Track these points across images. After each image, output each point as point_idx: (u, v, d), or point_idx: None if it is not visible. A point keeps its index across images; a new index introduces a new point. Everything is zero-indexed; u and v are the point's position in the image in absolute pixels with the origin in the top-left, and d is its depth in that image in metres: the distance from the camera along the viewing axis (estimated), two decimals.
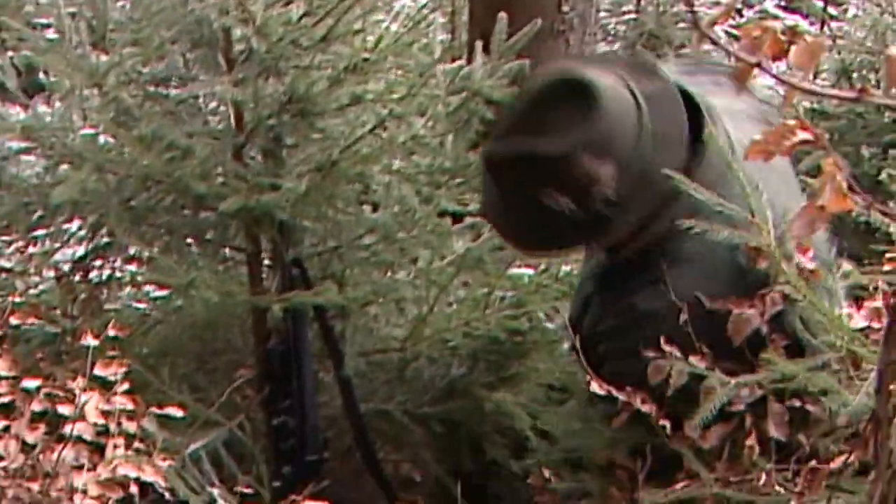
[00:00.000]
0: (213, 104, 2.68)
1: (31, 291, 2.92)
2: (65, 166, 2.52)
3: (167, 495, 2.16)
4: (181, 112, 2.56)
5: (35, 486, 1.87)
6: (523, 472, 2.81)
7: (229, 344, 2.91)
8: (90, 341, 1.91)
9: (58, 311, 2.81)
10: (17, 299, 2.63)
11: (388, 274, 2.80)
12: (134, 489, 2.02)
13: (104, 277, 2.83)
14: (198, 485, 2.31)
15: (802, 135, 1.13)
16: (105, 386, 2.02)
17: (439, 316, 2.81)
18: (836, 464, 1.63)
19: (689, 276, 1.94)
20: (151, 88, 2.55)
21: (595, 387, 1.79)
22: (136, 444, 2.08)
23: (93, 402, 1.88)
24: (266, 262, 2.69)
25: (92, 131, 2.43)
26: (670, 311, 1.89)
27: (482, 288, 2.84)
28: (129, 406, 1.95)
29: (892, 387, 1.29)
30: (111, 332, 2.08)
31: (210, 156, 2.41)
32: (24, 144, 2.52)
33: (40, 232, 2.74)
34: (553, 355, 2.87)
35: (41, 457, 1.93)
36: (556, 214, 1.93)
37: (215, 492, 2.32)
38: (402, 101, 2.51)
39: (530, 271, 2.90)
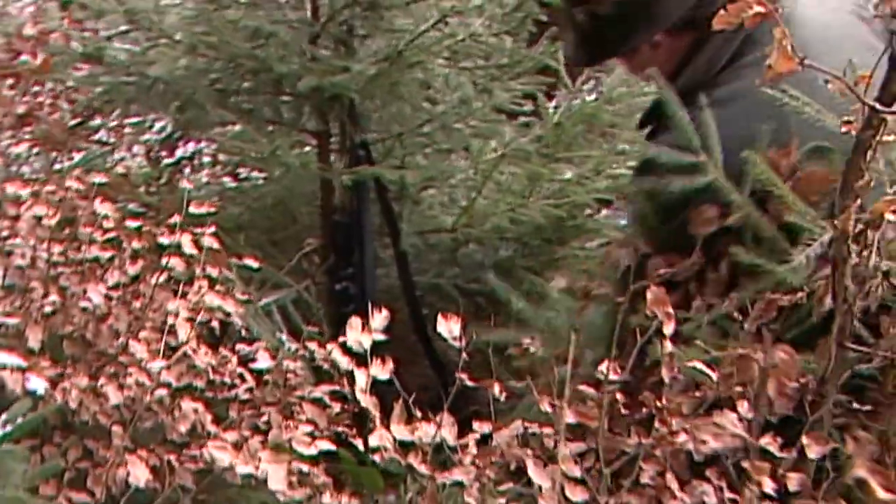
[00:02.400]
0: None
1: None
2: (158, 49, 2.81)
3: (243, 333, 2.46)
4: (261, 3, 2.84)
5: (137, 304, 2.19)
6: None
7: (296, 220, 3.22)
8: (185, 184, 2.21)
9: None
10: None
11: (445, 162, 3.09)
12: (215, 324, 2.31)
13: (188, 154, 3.12)
14: (269, 330, 2.62)
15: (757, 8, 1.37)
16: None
17: (488, 202, 3.09)
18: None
19: (731, 113, 1.91)
20: None
21: None
22: (218, 287, 2.37)
23: (187, 237, 2.18)
24: (333, 147, 2.98)
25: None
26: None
27: (527, 178, 3.12)
28: (216, 245, 2.24)
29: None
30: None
31: (290, 41, 2.69)
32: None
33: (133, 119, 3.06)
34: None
35: (141, 285, 2.24)
36: (602, 20, 2.05)
37: (284, 336, 2.61)
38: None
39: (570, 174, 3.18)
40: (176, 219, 2.18)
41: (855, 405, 1.60)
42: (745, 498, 1.41)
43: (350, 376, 1.76)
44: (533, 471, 1.46)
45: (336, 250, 2.94)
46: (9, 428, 1.94)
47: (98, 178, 2.29)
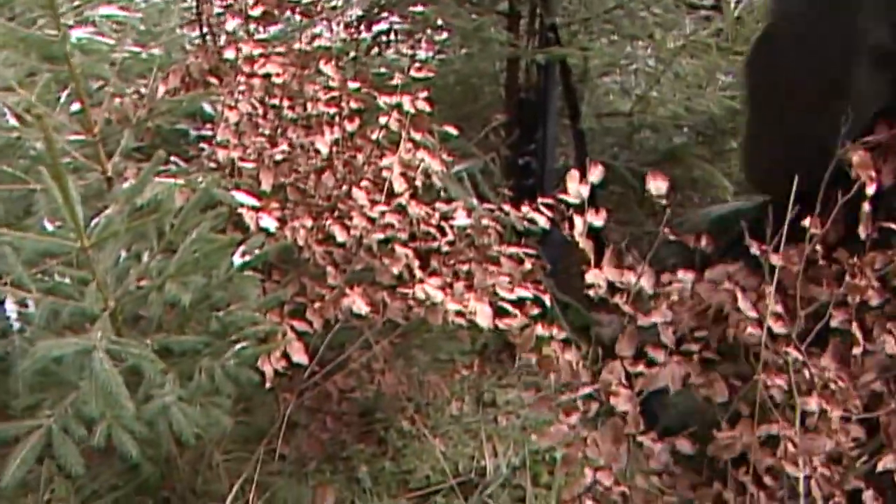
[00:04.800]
0: None
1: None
2: None
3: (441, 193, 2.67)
4: None
5: (360, 157, 2.41)
6: None
7: (478, 98, 3.41)
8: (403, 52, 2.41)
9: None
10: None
11: (627, 49, 3.24)
12: (418, 182, 2.53)
13: (384, 29, 3.32)
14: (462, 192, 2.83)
15: None
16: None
17: (665, 90, 3.24)
18: None
19: None
20: None
21: None
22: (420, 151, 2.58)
23: (407, 98, 2.39)
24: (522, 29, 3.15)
25: None
26: None
27: (705, 70, 3.25)
28: (427, 109, 2.44)
29: None
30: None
31: None
32: None
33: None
34: None
35: (357, 142, 2.46)
36: None
37: (474, 200, 2.83)
38: None
39: None
40: (397, 78, 2.39)
41: None
42: None
43: (570, 221, 1.93)
44: (741, 301, 1.64)
45: (521, 127, 3.13)
46: (247, 258, 2.20)
47: (320, 42, 2.50)
